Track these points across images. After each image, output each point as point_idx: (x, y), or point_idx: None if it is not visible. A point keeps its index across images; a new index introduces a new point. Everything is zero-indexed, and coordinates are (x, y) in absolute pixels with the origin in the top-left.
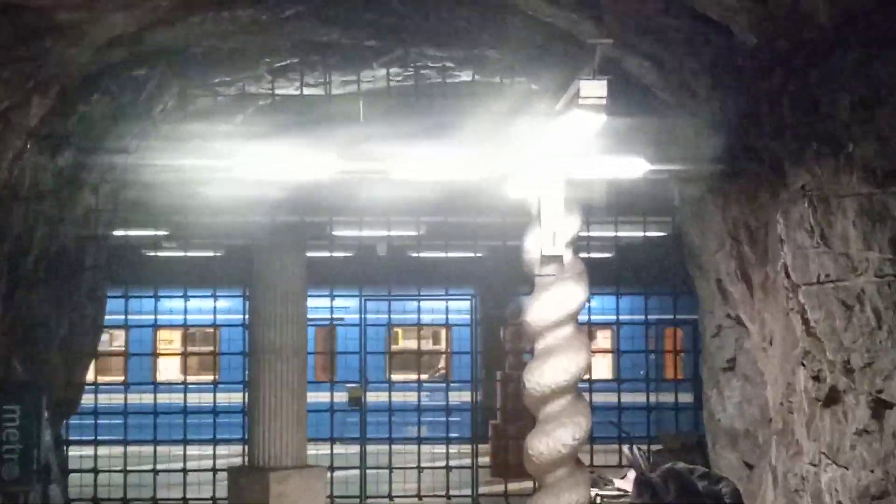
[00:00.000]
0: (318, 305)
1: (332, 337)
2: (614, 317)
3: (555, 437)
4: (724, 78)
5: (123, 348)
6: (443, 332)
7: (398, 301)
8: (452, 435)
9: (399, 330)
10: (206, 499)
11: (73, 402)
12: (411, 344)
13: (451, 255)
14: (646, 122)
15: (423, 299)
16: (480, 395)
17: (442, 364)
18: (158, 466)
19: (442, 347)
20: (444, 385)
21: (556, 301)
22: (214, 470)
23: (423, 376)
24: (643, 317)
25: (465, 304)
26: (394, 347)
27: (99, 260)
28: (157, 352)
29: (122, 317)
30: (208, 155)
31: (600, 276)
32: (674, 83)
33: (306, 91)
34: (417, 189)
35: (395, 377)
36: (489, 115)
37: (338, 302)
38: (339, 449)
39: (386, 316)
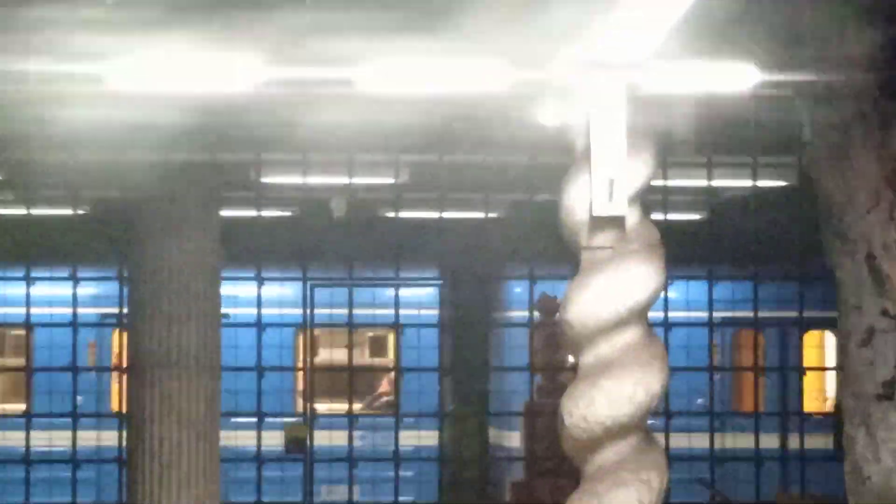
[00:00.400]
0: (237, 294)
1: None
2: (685, 313)
3: (611, 503)
4: None
5: None
6: (388, 338)
7: (328, 286)
8: (403, 498)
9: (318, 333)
10: None
11: None
12: (338, 355)
13: (449, 215)
14: (758, 7)
15: (405, 285)
16: (447, 437)
17: (385, 387)
18: None
19: (387, 360)
20: (389, 421)
21: (613, 288)
22: None
23: (355, 406)
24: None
25: (427, 294)
26: (309, 361)
27: None
28: None
29: None
30: (63, 56)
31: (684, 250)
32: None
33: None
34: (395, 112)
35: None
36: None
37: (242, 288)
38: None
39: (343, 311)
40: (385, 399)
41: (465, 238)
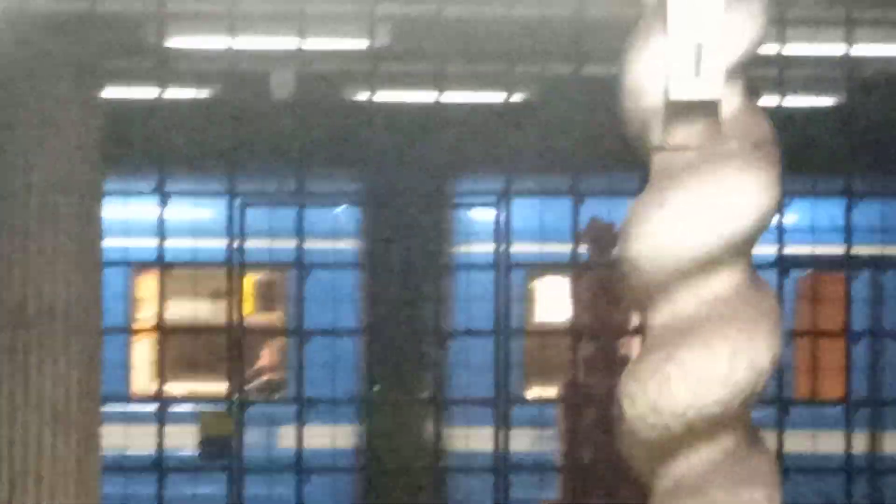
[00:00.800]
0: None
1: None
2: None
3: None
4: None
5: None
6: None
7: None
8: None
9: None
10: None
11: None
12: (199, 309)
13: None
14: None
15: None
16: (364, 434)
17: (265, 360)
18: None
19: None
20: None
21: (701, 210)
22: None
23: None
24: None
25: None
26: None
27: None
28: None
29: None
30: None
31: (809, 153)
32: None
33: None
34: None
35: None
36: None
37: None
38: None
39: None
40: (267, 378)
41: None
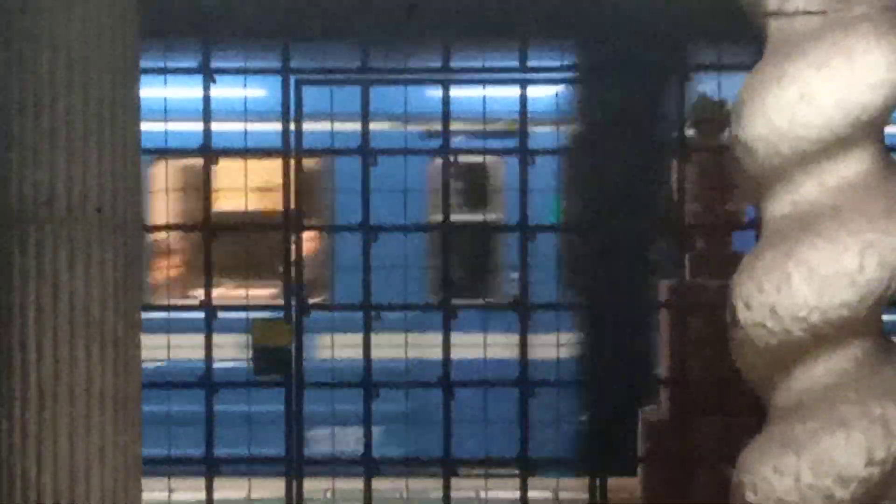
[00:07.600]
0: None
1: None
2: None
3: (820, 461)
4: None
5: None
6: None
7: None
8: None
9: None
10: None
11: None
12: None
13: None
14: None
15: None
16: None
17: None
18: None
19: None
20: None
21: (825, 85)
22: None
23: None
24: None
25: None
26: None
27: None
28: None
29: None
30: None
31: None
32: None
33: None
34: None
35: None
36: None
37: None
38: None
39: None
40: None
41: None
